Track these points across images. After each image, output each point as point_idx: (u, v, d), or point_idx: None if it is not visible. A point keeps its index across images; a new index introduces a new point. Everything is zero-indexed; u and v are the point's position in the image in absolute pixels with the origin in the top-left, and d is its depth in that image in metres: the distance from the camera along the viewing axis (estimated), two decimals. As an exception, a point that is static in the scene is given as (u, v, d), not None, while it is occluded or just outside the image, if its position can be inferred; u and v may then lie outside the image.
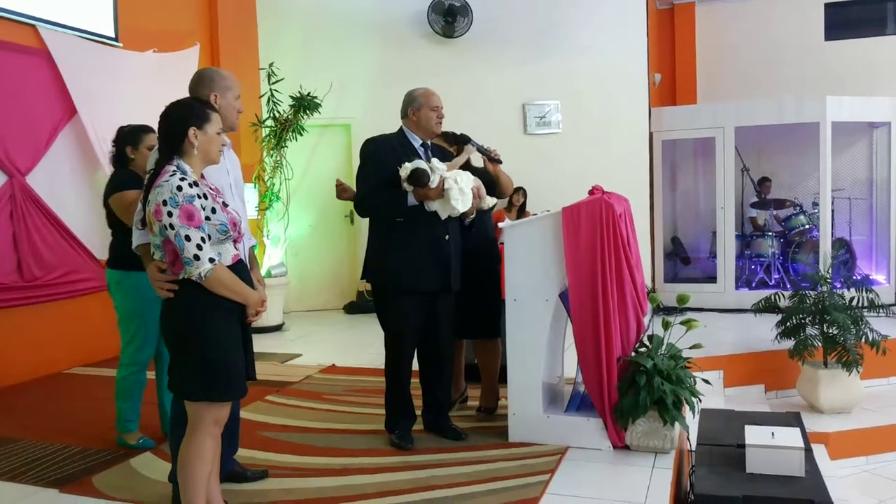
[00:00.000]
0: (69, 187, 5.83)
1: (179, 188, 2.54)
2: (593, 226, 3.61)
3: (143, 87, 6.26)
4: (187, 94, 3.13)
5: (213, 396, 2.67)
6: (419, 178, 3.54)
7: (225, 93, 3.16)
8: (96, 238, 5.97)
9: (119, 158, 3.90)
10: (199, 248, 2.54)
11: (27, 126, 5.47)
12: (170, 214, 2.52)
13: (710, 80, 9.89)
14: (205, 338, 2.63)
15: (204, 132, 2.69)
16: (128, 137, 3.88)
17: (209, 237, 2.58)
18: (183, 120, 2.67)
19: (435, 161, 3.67)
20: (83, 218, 5.90)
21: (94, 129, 5.89)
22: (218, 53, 7.41)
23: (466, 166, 4.10)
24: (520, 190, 7.87)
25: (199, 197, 2.58)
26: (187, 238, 2.53)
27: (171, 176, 2.58)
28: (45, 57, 5.65)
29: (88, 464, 3.65)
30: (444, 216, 3.68)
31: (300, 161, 7.98)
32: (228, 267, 2.67)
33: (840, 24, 9.45)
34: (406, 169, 3.57)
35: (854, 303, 5.33)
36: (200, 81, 3.17)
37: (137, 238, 2.89)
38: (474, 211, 3.88)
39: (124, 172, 3.84)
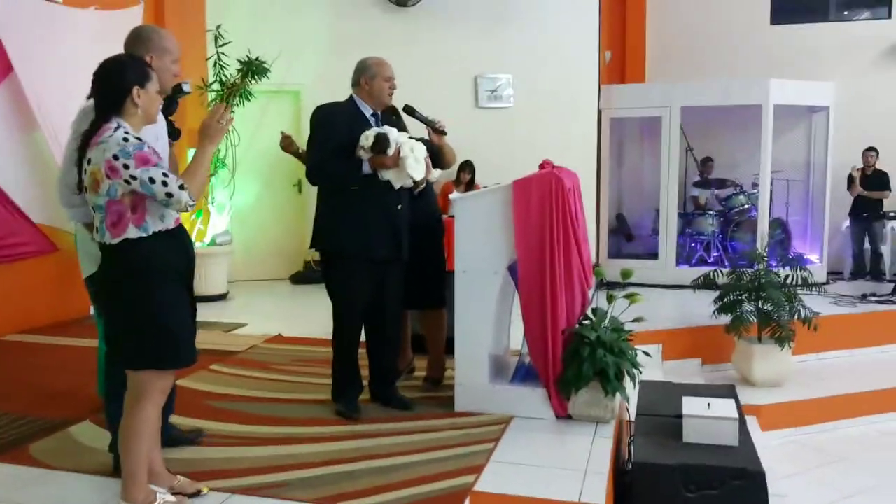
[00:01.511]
0: (5, 148, 5.60)
1: (126, 139, 2.49)
2: (543, 199, 3.65)
3: (84, 46, 6.01)
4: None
5: (164, 364, 2.62)
6: (382, 144, 3.52)
7: (162, 55, 3.06)
8: (33, 201, 5.78)
9: None
10: (165, 184, 2.48)
11: (-41, 83, 5.24)
12: (126, 167, 2.46)
13: (659, 59, 10.02)
14: (153, 303, 2.57)
15: (146, 91, 2.62)
16: None
17: (166, 173, 2.51)
18: (126, 78, 2.59)
19: (391, 129, 3.64)
20: (20, 180, 5.69)
21: (31, 87, 5.67)
22: (163, 13, 7.17)
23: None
24: (467, 167, 7.84)
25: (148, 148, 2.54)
26: (151, 180, 2.47)
27: (114, 131, 2.51)
28: (-21, 10, 5.40)
29: (26, 432, 3.55)
30: (397, 185, 3.67)
31: (248, 127, 7.82)
32: (170, 231, 2.62)
33: (786, 9, 9.67)
34: (368, 137, 3.54)
35: (789, 281, 5.53)
36: (137, 40, 3.06)
37: (79, 214, 2.81)
38: (425, 181, 3.88)
39: None
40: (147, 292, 2.56)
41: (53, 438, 3.47)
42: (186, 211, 2.57)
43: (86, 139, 2.56)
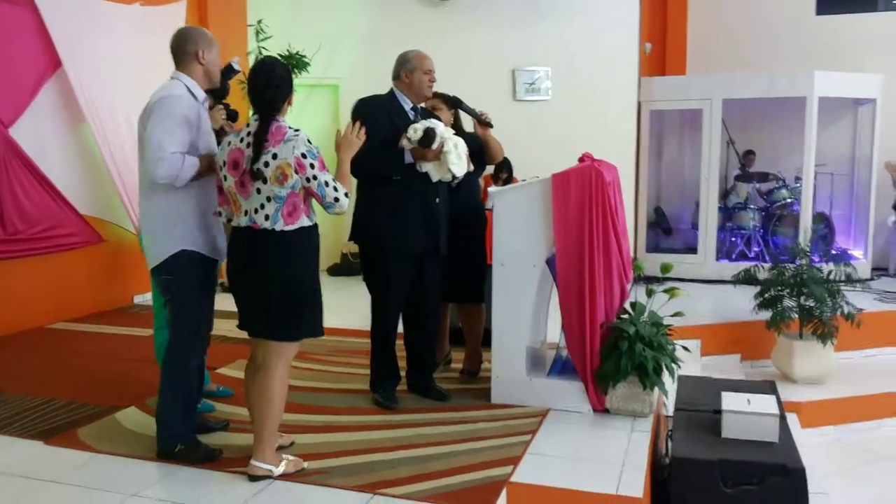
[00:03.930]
0: (53, 141, 5.75)
1: (310, 141, 2.79)
2: (582, 193, 3.64)
3: (129, 41, 6.15)
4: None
5: (318, 331, 2.96)
6: (429, 138, 3.55)
7: (211, 47, 3.17)
8: (80, 193, 5.93)
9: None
10: (336, 189, 2.85)
11: (10, 77, 5.38)
12: (312, 166, 2.78)
13: (700, 51, 9.85)
14: (314, 280, 2.92)
15: (292, 96, 2.94)
16: None
17: (335, 179, 2.90)
18: (290, 81, 2.90)
19: (438, 123, 3.65)
20: (67, 172, 5.84)
21: (79, 81, 5.80)
22: (205, 8, 7.27)
23: (458, 130, 4.10)
24: (504, 166, 7.71)
25: None
26: (327, 184, 2.82)
27: (296, 131, 2.81)
28: (30, 7, 5.53)
29: (73, 417, 3.67)
30: (435, 179, 3.68)
31: (287, 121, 7.89)
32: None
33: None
34: (416, 130, 3.56)
35: (832, 276, 5.43)
36: (187, 37, 3.16)
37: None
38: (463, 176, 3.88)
39: None
40: (315, 271, 2.92)
41: (100, 423, 3.58)
42: (341, 214, 2.94)
43: (260, 136, 2.78)
